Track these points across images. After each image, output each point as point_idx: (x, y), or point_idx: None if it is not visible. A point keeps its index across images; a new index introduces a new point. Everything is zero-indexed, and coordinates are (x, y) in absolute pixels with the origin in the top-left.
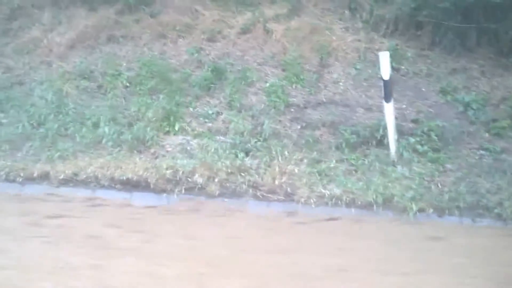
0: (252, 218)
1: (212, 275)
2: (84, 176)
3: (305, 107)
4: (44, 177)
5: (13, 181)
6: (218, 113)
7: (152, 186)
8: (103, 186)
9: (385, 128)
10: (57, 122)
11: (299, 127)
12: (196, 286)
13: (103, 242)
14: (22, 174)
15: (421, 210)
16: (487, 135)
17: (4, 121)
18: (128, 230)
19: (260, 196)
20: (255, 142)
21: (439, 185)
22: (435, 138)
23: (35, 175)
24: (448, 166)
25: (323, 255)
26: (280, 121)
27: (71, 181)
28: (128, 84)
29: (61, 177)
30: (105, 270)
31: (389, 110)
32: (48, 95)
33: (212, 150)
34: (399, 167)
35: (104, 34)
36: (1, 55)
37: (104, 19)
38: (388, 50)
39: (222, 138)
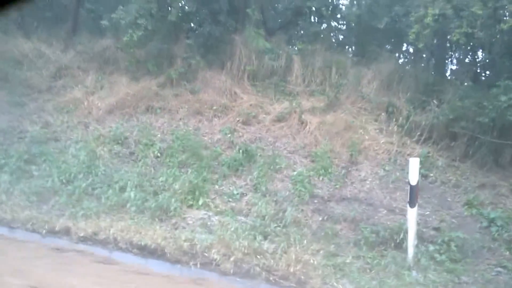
0: None
1: None
2: (104, 237)
3: (329, 200)
4: (65, 232)
5: (37, 232)
6: (242, 194)
7: (168, 255)
8: (120, 249)
9: (406, 232)
10: (85, 182)
11: (320, 218)
12: None
13: None
14: (46, 227)
15: None
16: (507, 253)
17: (35, 173)
18: None
19: (273, 281)
20: (275, 227)
21: None
22: (455, 249)
23: (57, 229)
24: (464, 278)
25: None
26: (302, 210)
27: (90, 239)
28: (159, 155)
29: (81, 234)
30: None
31: (412, 215)
32: (81, 154)
33: (232, 229)
34: (414, 273)
35: (143, 104)
36: (41, 111)
37: (145, 89)
38: (419, 156)
39: (243, 218)
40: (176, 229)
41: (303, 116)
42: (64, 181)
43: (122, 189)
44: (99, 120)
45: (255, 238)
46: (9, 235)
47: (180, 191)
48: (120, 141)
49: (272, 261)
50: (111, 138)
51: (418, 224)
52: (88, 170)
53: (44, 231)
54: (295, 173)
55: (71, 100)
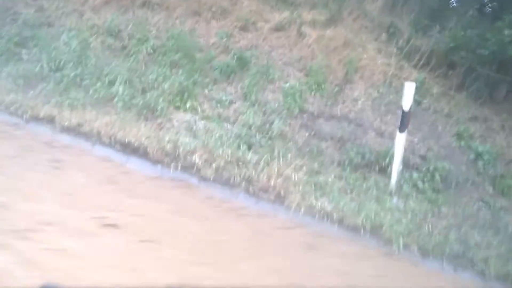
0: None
1: None
2: (88, 129)
3: (318, 117)
4: (49, 120)
5: (20, 117)
6: (231, 101)
7: (150, 154)
8: (103, 143)
9: (391, 157)
10: (74, 71)
11: (307, 134)
12: None
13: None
14: (29, 112)
15: (406, 246)
16: (491, 189)
17: (25, 57)
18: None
19: (252, 191)
20: (261, 138)
21: (430, 226)
22: (439, 178)
23: (41, 115)
24: (444, 209)
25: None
26: (290, 124)
27: (73, 130)
28: (151, 51)
29: (65, 123)
30: None
31: (400, 140)
32: (73, 43)
33: (217, 135)
34: (395, 198)
35: None
36: None
37: None
38: (415, 81)
39: (229, 126)
40: (160, 129)
41: (302, 28)
42: (53, 68)
43: (111, 83)
44: (95, 10)
45: (239, 147)
46: None
47: (168, 91)
48: (113, 34)
49: (253, 171)
50: (105, 29)
51: (405, 150)
52: (79, 59)
53: (27, 116)
54: (287, 85)
55: None
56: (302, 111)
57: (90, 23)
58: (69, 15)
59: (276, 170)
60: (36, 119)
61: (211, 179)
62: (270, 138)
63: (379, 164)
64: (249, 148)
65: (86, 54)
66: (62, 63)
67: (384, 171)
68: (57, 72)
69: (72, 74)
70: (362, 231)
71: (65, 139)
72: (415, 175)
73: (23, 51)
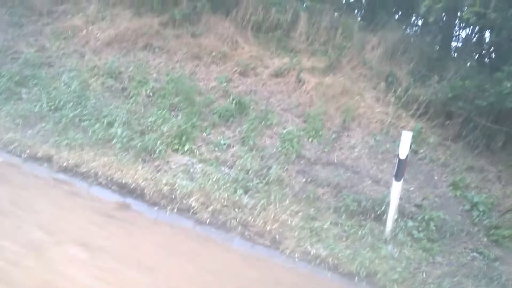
0: (232, 254)
1: None
2: (85, 170)
3: (315, 163)
4: (47, 159)
5: (18, 156)
6: (229, 146)
7: (147, 196)
8: (99, 184)
9: (387, 205)
10: (73, 111)
11: (304, 180)
12: None
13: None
14: (27, 151)
15: None
16: (485, 239)
17: (24, 96)
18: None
19: (247, 236)
20: (258, 183)
21: (424, 274)
22: (434, 228)
23: (38, 155)
24: (438, 258)
25: None
26: (287, 169)
27: (71, 170)
28: (151, 94)
29: (63, 164)
30: None
31: (396, 188)
32: (73, 83)
33: (214, 179)
34: (390, 246)
35: (143, 41)
36: (39, 34)
37: (147, 26)
38: (412, 130)
39: (226, 170)
40: (158, 171)
41: (301, 75)
42: (52, 108)
43: (110, 124)
44: (96, 51)
45: (235, 191)
46: None
47: (167, 134)
48: (114, 75)
49: (250, 216)
50: (105, 71)
51: (401, 198)
52: (78, 100)
53: (25, 155)
54: (285, 131)
55: (70, 27)
56: (299, 156)
57: (90, 64)
58: (70, 56)
59: (272, 215)
60: (34, 158)
61: (207, 222)
62: (267, 183)
63: (375, 212)
64: (246, 192)
65: (85, 95)
66: (61, 103)
67: (380, 218)
68: (57, 112)
69: (71, 114)
70: (356, 278)
71: (61, 177)
72: (410, 223)
73: (23, 90)
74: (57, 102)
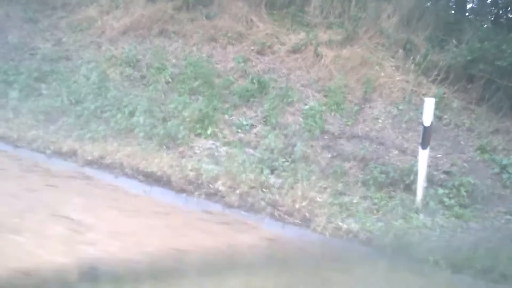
0: (263, 234)
1: None
2: (110, 161)
3: (340, 137)
4: (71, 154)
5: (42, 152)
6: (252, 126)
7: (173, 183)
8: (126, 174)
9: (415, 174)
10: (95, 103)
11: (329, 155)
12: None
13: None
14: (51, 147)
15: (436, 263)
16: None
17: (44, 92)
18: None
19: (277, 216)
20: (283, 161)
21: (459, 241)
22: (464, 193)
23: (63, 150)
24: (472, 224)
25: None
26: (312, 145)
27: (96, 163)
28: (170, 80)
29: (88, 157)
30: None
31: (423, 157)
32: (92, 75)
33: (239, 161)
34: (422, 216)
35: (158, 27)
36: (54, 28)
37: (161, 12)
38: (434, 97)
39: (251, 151)
40: (183, 157)
41: (319, 49)
42: (73, 101)
43: (131, 114)
44: (112, 41)
45: (262, 172)
46: (13, 153)
47: (189, 119)
48: (132, 64)
49: (277, 196)
50: (123, 60)
51: (429, 166)
52: (98, 91)
53: (49, 152)
54: (307, 107)
55: (85, 19)
56: (323, 132)
57: (108, 54)
58: (86, 48)
59: (300, 193)
60: (59, 153)
61: (236, 205)
62: (293, 161)
63: (404, 182)
64: (272, 172)
65: (105, 86)
66: (82, 96)
67: (409, 188)
68: (78, 105)
69: (93, 106)
70: (390, 250)
71: (88, 171)
72: (440, 191)
73: (43, 86)
74: (77, 95)
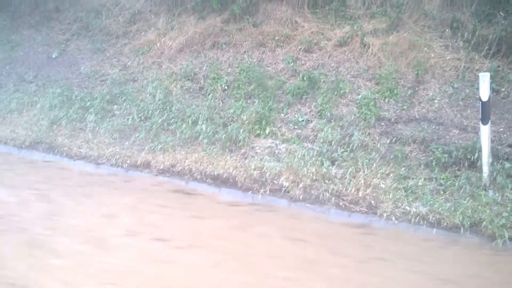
0: (331, 225)
1: None
2: (180, 168)
3: (396, 122)
4: (146, 165)
5: (119, 166)
6: (308, 121)
7: (239, 183)
8: (195, 179)
9: (479, 150)
10: (161, 117)
11: (388, 141)
12: None
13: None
14: (128, 161)
15: (510, 239)
16: None
17: (117, 112)
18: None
19: (343, 206)
20: (342, 152)
21: None
22: None
23: (138, 163)
24: None
25: None
26: (369, 133)
27: (168, 171)
28: (226, 88)
29: (160, 167)
30: None
31: (485, 132)
32: (156, 92)
33: (299, 156)
34: (491, 192)
35: (210, 41)
36: (119, 54)
37: (211, 27)
38: (488, 71)
39: (309, 145)
40: (245, 158)
41: (365, 39)
42: (142, 118)
43: (194, 123)
44: (171, 59)
45: (322, 164)
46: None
47: (247, 121)
48: (190, 77)
49: (341, 186)
50: (182, 75)
51: (492, 141)
52: (163, 106)
53: (126, 165)
54: (359, 96)
55: (145, 43)
56: (379, 119)
57: (168, 71)
58: (149, 68)
59: (363, 181)
60: (135, 166)
61: (301, 198)
62: (351, 151)
63: (468, 160)
64: (333, 163)
65: (169, 100)
66: (149, 112)
67: (474, 166)
68: (147, 121)
69: (160, 120)
70: (462, 230)
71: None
72: (507, 165)
73: (115, 107)
74: (145, 112)
